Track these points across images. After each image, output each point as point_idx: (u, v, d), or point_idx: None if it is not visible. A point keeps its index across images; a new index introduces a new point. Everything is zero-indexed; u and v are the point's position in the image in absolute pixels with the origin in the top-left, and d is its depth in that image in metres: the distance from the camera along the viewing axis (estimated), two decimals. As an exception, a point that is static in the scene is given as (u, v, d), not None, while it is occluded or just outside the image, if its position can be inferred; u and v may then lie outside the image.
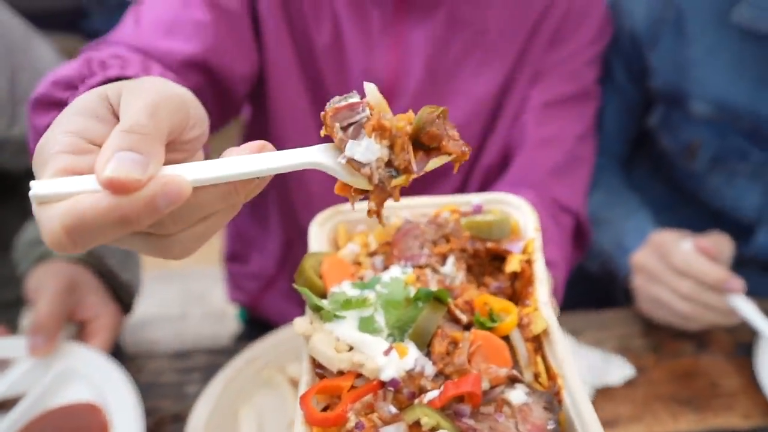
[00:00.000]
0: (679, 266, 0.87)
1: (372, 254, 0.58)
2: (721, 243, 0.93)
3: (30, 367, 0.59)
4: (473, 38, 0.84)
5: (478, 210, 0.60)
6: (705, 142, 1.03)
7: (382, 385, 0.45)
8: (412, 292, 0.50)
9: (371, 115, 0.37)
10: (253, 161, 0.34)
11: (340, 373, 0.45)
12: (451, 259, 0.54)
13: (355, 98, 0.38)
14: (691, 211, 1.13)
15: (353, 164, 0.36)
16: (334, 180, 0.39)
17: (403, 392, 0.44)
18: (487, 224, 0.57)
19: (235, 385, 0.80)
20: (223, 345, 0.96)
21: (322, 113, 0.38)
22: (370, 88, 0.38)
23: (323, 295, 0.51)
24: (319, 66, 0.83)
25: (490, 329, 0.48)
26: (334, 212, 0.61)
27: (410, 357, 0.46)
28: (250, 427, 0.76)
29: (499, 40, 0.85)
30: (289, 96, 0.86)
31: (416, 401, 0.44)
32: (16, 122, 0.79)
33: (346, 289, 0.51)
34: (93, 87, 0.44)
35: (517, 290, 0.54)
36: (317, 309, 0.50)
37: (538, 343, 0.49)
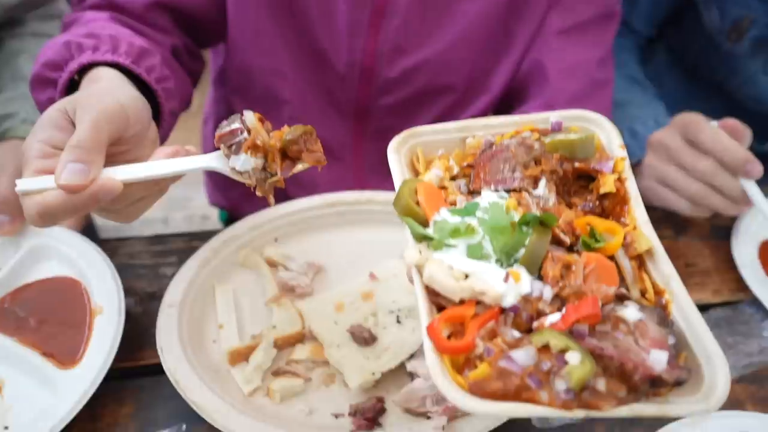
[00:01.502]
0: (705, 142, 0.86)
1: (454, 178, 0.58)
2: (745, 128, 0.92)
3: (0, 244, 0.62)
4: None
5: (557, 128, 0.59)
6: (756, 20, 0.98)
7: (502, 311, 0.46)
8: (515, 216, 0.51)
9: (248, 137, 0.51)
10: (167, 164, 0.50)
11: (461, 301, 0.47)
12: (543, 182, 0.54)
13: (236, 124, 0.52)
14: (709, 106, 1.14)
15: (235, 172, 0.52)
16: None
17: (521, 316, 0.46)
18: (570, 143, 0.56)
19: (211, 265, 0.80)
20: (200, 231, 0.95)
21: (215, 136, 0.52)
22: (248, 115, 0.52)
23: (424, 223, 0.51)
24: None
25: (596, 250, 0.49)
26: (408, 135, 0.59)
27: (524, 282, 0.47)
28: (226, 304, 0.77)
29: None
30: (251, 20, 0.84)
31: (535, 324, 0.46)
32: None
33: (447, 216, 0.51)
34: (73, 71, 0.61)
35: (607, 209, 0.55)
36: (423, 238, 0.50)
37: (640, 261, 0.51)
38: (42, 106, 0.65)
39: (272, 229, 0.86)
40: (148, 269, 0.86)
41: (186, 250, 0.87)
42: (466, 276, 0.47)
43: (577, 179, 0.58)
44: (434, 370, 0.42)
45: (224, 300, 0.78)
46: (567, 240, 0.50)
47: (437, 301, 0.48)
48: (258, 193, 0.54)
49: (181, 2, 0.80)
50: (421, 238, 0.50)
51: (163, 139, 0.66)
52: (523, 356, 0.42)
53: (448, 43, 0.86)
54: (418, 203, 0.52)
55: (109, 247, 0.86)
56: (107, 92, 0.53)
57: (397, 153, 0.58)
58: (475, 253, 0.49)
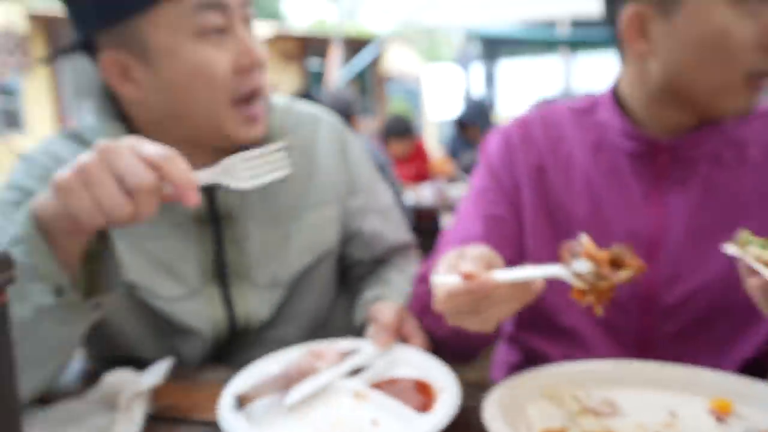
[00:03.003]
0: None
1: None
2: None
3: (373, 352, 0.78)
4: (731, 201, 0.84)
5: None
6: None
7: None
8: None
9: (585, 249, 0.61)
10: (531, 271, 0.59)
11: None
12: None
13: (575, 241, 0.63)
14: None
15: (576, 275, 0.60)
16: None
17: None
18: None
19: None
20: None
21: (560, 249, 0.62)
22: (584, 236, 0.62)
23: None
24: (574, 235, 0.82)
25: None
26: None
27: None
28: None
29: (759, 204, 0.83)
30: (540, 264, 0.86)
31: None
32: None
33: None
34: None
35: None
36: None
37: None
38: (419, 298, 0.84)
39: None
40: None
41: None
42: None
43: None
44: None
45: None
46: None
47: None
48: (590, 299, 0.61)
49: None
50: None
51: None
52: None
53: (726, 263, 0.77)
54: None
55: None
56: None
57: None
58: None
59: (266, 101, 0.84)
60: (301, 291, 0.93)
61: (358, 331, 0.86)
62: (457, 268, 0.59)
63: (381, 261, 0.99)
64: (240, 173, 0.63)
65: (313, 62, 10.18)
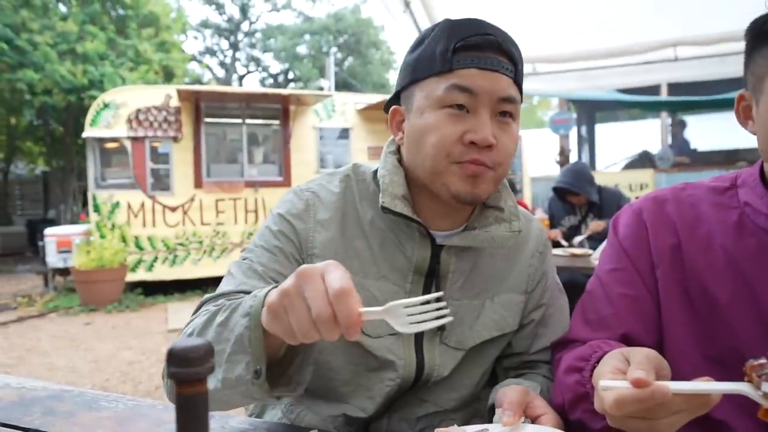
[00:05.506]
0: None
1: None
2: None
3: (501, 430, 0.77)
4: None
5: None
6: None
7: None
8: None
9: None
10: (708, 385, 0.57)
11: None
12: None
13: (762, 360, 0.58)
14: None
15: (764, 397, 0.57)
16: None
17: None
18: None
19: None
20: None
21: (745, 367, 0.58)
22: None
23: None
24: (719, 320, 0.83)
25: None
26: None
27: None
28: None
29: None
30: (679, 349, 0.85)
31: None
32: None
33: None
34: (597, 358, 0.73)
35: None
36: None
37: None
38: (566, 387, 0.80)
39: None
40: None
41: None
42: None
43: None
44: None
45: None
46: None
47: None
48: None
49: (631, 342, 0.85)
50: None
51: None
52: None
53: None
54: None
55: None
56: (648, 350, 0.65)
57: None
58: None
59: (496, 175, 0.86)
60: (473, 360, 0.97)
61: (487, 412, 0.88)
62: (625, 373, 0.59)
63: (532, 364, 1.01)
64: (401, 318, 0.63)
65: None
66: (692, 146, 8.52)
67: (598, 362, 0.71)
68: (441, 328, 0.91)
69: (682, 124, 8.50)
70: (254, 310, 0.68)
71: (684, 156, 7.88)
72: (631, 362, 0.61)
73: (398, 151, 0.95)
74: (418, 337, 0.92)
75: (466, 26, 0.85)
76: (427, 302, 0.64)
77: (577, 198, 3.80)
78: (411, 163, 0.90)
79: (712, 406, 0.57)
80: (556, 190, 3.90)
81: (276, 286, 0.66)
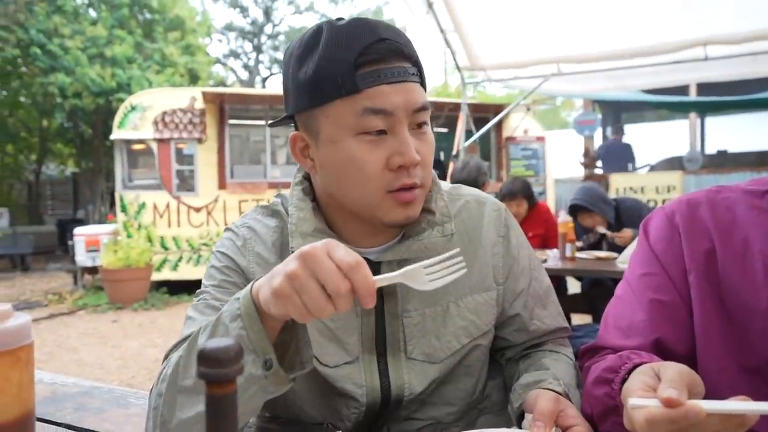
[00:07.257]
0: None
1: None
2: None
3: None
4: None
5: None
6: None
7: None
8: None
9: None
10: (744, 405, 0.55)
11: None
12: None
13: None
14: None
15: None
16: None
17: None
18: None
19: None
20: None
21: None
22: None
23: None
24: (756, 329, 0.80)
25: None
26: None
27: None
28: None
29: None
30: (713, 359, 0.82)
31: None
32: None
33: None
34: (627, 370, 0.71)
35: None
36: None
37: None
38: (594, 399, 0.78)
39: None
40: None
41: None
42: None
43: None
44: None
45: None
46: None
47: None
48: None
49: (662, 350, 0.84)
50: None
51: None
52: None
53: None
54: None
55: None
56: (679, 365, 0.63)
57: None
58: None
59: (425, 189, 0.84)
60: (457, 372, 0.94)
61: (514, 416, 0.86)
62: (655, 390, 0.58)
63: (535, 345, 0.99)
64: (420, 278, 0.67)
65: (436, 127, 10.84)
66: (722, 147, 8.34)
67: (628, 374, 0.69)
68: (404, 342, 0.89)
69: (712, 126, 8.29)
70: (245, 309, 0.67)
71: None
72: (662, 379, 0.59)
73: (305, 178, 0.92)
74: (381, 358, 0.89)
75: (358, 33, 0.77)
76: (444, 260, 0.68)
77: (591, 218, 3.55)
78: (332, 192, 0.85)
79: (749, 426, 0.55)
80: (570, 210, 3.66)
81: (257, 280, 0.68)
